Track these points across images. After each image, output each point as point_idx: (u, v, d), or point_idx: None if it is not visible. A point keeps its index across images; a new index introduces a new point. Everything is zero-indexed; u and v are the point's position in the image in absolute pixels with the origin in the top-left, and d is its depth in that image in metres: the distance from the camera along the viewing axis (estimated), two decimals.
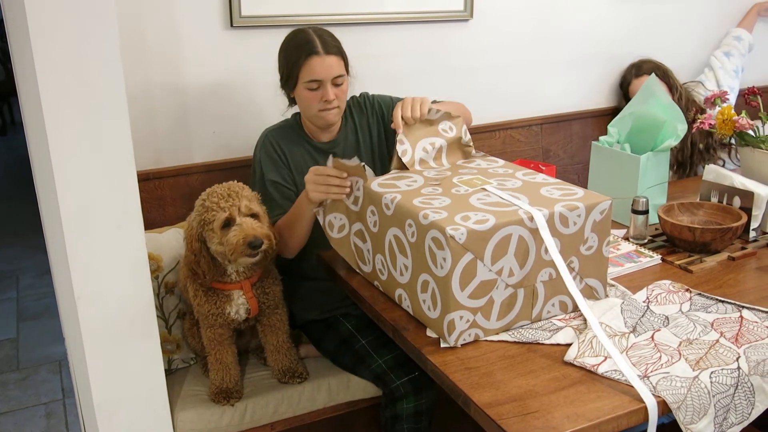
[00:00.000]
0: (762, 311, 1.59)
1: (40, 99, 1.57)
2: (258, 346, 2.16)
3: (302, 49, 1.96)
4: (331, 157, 1.75)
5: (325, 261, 1.96)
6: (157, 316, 1.86)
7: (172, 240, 2.16)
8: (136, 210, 1.74)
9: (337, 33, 2.05)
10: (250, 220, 1.82)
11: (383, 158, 2.19)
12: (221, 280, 1.92)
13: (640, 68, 2.94)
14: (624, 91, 3.04)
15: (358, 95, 2.24)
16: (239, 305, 1.95)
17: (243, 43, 2.37)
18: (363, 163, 1.67)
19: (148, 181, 2.26)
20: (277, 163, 2.07)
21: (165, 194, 2.32)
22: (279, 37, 2.39)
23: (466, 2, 2.67)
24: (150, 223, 2.20)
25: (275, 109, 2.46)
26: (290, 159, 2.08)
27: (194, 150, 2.38)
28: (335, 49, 1.98)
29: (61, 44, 1.55)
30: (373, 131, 2.20)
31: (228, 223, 1.81)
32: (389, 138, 2.19)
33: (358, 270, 1.83)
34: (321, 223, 1.80)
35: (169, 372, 2.10)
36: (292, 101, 2.11)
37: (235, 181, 1.90)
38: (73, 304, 1.76)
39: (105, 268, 1.73)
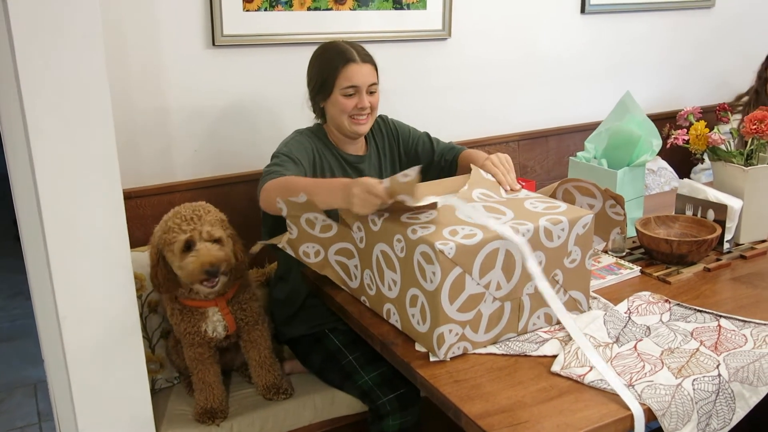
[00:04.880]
0: (739, 320, 1.63)
1: (26, 120, 1.58)
2: (243, 364, 2.16)
3: (341, 56, 2.01)
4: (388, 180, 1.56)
5: (310, 278, 1.97)
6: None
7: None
8: (122, 229, 1.75)
9: None
10: (209, 245, 1.81)
11: None
12: (194, 297, 1.93)
13: None
14: (764, 66, 3.13)
15: (378, 116, 2.24)
16: (215, 322, 1.96)
17: (225, 62, 2.39)
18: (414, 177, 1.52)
19: (130, 199, 2.26)
20: (309, 159, 2.01)
21: (147, 213, 2.31)
22: (261, 55, 2.44)
23: (444, 21, 2.72)
24: (132, 242, 2.17)
25: (259, 126, 2.50)
26: (319, 162, 2.05)
27: (177, 168, 2.39)
28: (370, 58, 2.05)
29: (47, 64, 1.56)
30: (394, 155, 2.23)
31: (189, 246, 1.81)
32: (408, 163, 2.22)
33: (344, 287, 1.85)
34: (293, 255, 1.77)
35: (153, 392, 2.09)
36: (320, 113, 2.11)
37: (204, 203, 1.91)
38: (56, 325, 1.75)
39: (91, 287, 1.73)
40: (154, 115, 2.32)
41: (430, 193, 1.65)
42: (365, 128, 2.06)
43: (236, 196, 2.45)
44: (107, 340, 1.78)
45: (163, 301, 2.07)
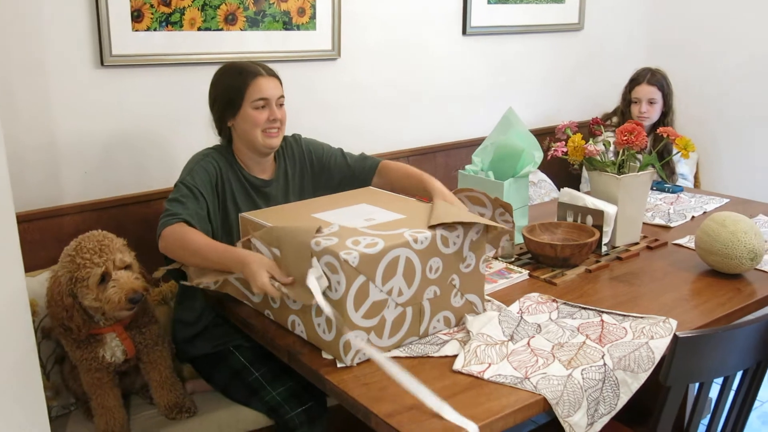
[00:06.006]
0: (619, 314, 1.78)
1: None
2: (143, 385, 2.13)
3: (247, 72, 2.04)
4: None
5: (212, 295, 1.98)
6: None
7: (46, 284, 2.10)
8: (16, 253, 1.70)
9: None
10: (125, 273, 1.84)
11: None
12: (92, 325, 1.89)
13: (654, 75, 3.27)
14: (627, 89, 3.34)
15: (290, 136, 2.27)
16: (113, 348, 1.93)
17: (115, 83, 2.36)
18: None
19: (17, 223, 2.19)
20: (212, 186, 2.02)
21: (35, 237, 2.24)
22: (151, 75, 2.42)
23: (333, 42, 2.79)
24: None
25: (150, 147, 2.48)
26: (221, 187, 2.06)
27: (65, 191, 2.33)
28: (274, 73, 2.09)
29: None
30: (304, 175, 2.25)
31: (103, 278, 1.82)
32: (312, 181, 2.26)
33: (246, 302, 1.87)
34: (192, 283, 1.84)
35: (49, 420, 2.02)
36: (227, 133, 2.11)
37: (100, 231, 1.90)
38: None
39: None
40: (40, 136, 2.26)
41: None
42: (277, 141, 2.09)
43: (128, 219, 2.42)
44: (3, 368, 1.71)
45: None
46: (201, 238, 1.83)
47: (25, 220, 2.22)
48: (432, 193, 2.08)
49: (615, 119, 3.36)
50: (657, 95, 3.22)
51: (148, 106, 2.45)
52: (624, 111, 3.31)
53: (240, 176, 2.11)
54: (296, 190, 2.23)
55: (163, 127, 2.50)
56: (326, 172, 2.27)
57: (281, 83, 2.11)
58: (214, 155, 2.09)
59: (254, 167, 2.14)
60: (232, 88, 2.04)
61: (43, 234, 2.27)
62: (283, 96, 2.10)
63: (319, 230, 1.60)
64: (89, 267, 1.80)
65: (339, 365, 1.55)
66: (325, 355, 1.59)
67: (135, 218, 2.42)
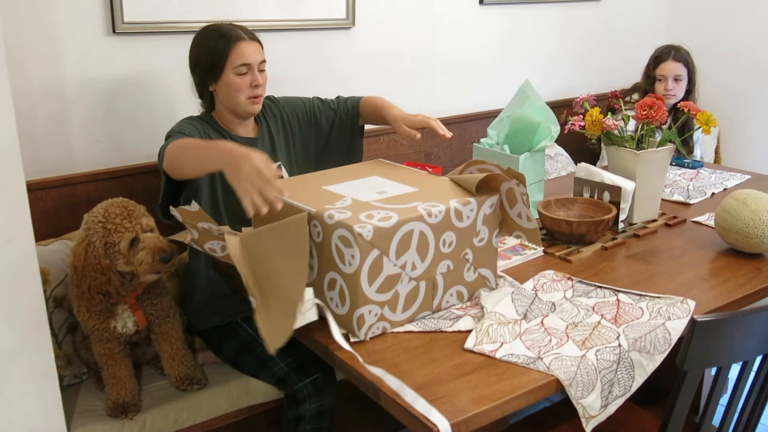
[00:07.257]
0: (635, 294, 1.75)
1: None
2: (154, 356, 2.13)
3: (229, 36, 2.00)
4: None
5: (223, 267, 1.96)
6: None
7: (59, 252, 2.10)
8: (26, 222, 1.69)
9: None
10: (151, 235, 1.87)
11: (299, 159, 2.25)
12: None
13: (679, 51, 3.19)
14: (651, 67, 3.25)
15: (265, 97, 2.24)
16: (125, 319, 1.93)
17: (126, 50, 2.33)
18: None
19: (29, 192, 2.17)
20: (199, 135, 2.00)
21: (48, 206, 2.24)
22: (163, 43, 2.39)
23: (348, 10, 2.75)
24: (35, 236, 2.12)
25: (160, 116, 2.45)
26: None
27: (78, 159, 2.32)
28: (256, 37, 2.05)
29: None
30: (287, 133, 2.23)
31: (132, 242, 1.85)
32: (302, 138, 2.26)
33: None
34: (200, 250, 1.79)
35: (61, 388, 2.03)
36: (209, 98, 2.09)
37: (121, 198, 1.91)
38: None
39: None
40: (52, 104, 2.25)
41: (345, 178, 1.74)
42: (259, 107, 2.08)
43: (140, 187, 2.40)
44: (13, 336, 1.72)
45: (69, 296, 2.01)
46: (200, 140, 1.75)
47: (37, 189, 2.23)
48: (390, 122, 2.13)
49: (635, 96, 3.29)
50: (683, 72, 3.16)
51: (160, 74, 2.43)
52: (647, 90, 3.23)
53: (225, 137, 2.08)
54: (282, 148, 2.21)
55: (175, 95, 2.47)
56: (315, 122, 2.26)
57: (262, 47, 2.07)
58: (195, 121, 2.07)
59: (238, 128, 2.12)
60: (214, 51, 2.00)
61: (57, 202, 2.27)
62: (264, 61, 2.06)
63: (310, 218, 1.54)
64: (120, 232, 1.83)
65: (352, 339, 1.53)
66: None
67: (147, 187, 2.41)
